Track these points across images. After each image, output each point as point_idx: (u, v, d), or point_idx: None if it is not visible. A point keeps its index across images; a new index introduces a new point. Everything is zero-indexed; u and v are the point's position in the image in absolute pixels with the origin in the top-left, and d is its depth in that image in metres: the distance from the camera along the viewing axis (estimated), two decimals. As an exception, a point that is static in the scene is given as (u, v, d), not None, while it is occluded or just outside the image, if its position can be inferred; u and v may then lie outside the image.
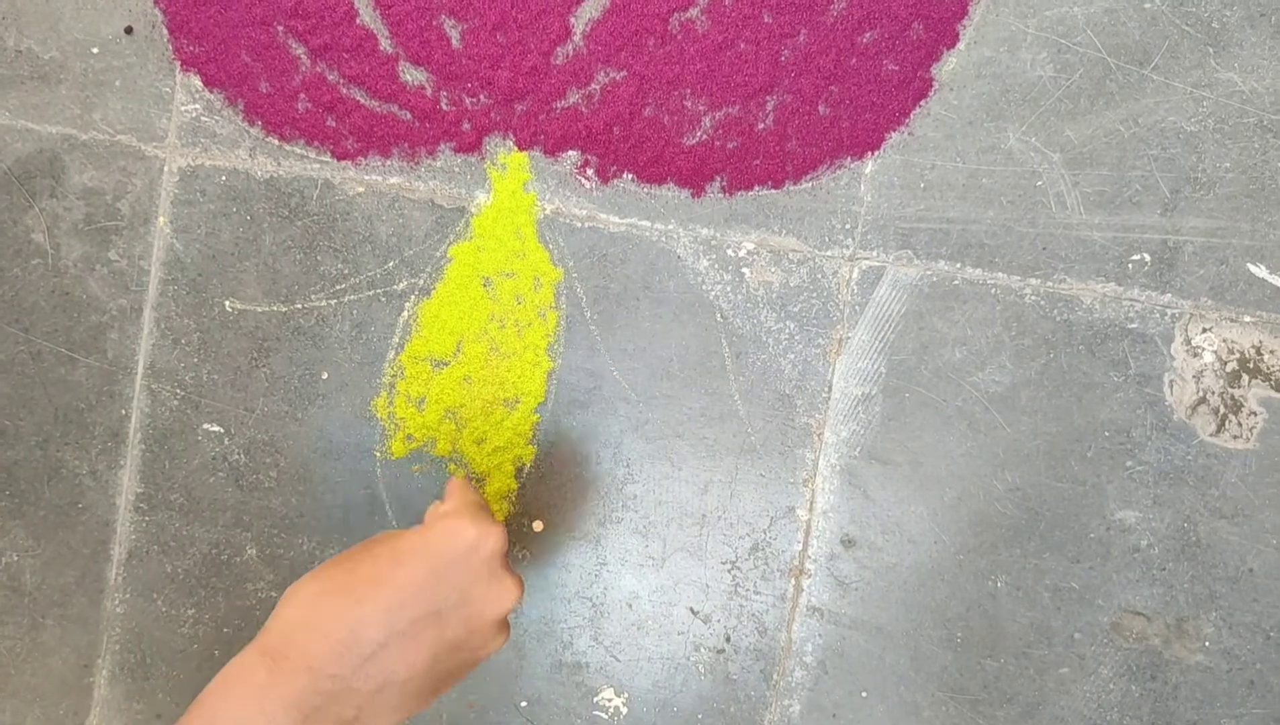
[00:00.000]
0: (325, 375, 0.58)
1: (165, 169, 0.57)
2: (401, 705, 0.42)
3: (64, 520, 0.59)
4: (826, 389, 0.56)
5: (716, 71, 0.55)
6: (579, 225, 0.57)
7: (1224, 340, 0.54)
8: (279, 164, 0.57)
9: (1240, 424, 0.55)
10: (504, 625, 0.46)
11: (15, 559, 0.59)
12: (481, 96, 0.56)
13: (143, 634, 0.59)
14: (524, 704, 0.58)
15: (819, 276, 0.56)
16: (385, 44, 0.56)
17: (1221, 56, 0.53)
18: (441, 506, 0.47)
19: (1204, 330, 0.55)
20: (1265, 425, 0.55)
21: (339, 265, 0.57)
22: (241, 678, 0.40)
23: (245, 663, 0.41)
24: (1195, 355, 0.55)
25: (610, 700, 0.58)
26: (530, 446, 0.57)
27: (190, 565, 0.59)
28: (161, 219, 0.58)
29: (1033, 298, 0.55)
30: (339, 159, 0.57)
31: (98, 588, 0.59)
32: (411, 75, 0.56)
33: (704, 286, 0.56)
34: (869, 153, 0.55)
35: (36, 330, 0.58)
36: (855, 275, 0.56)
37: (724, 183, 0.56)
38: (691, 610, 0.57)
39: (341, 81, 0.56)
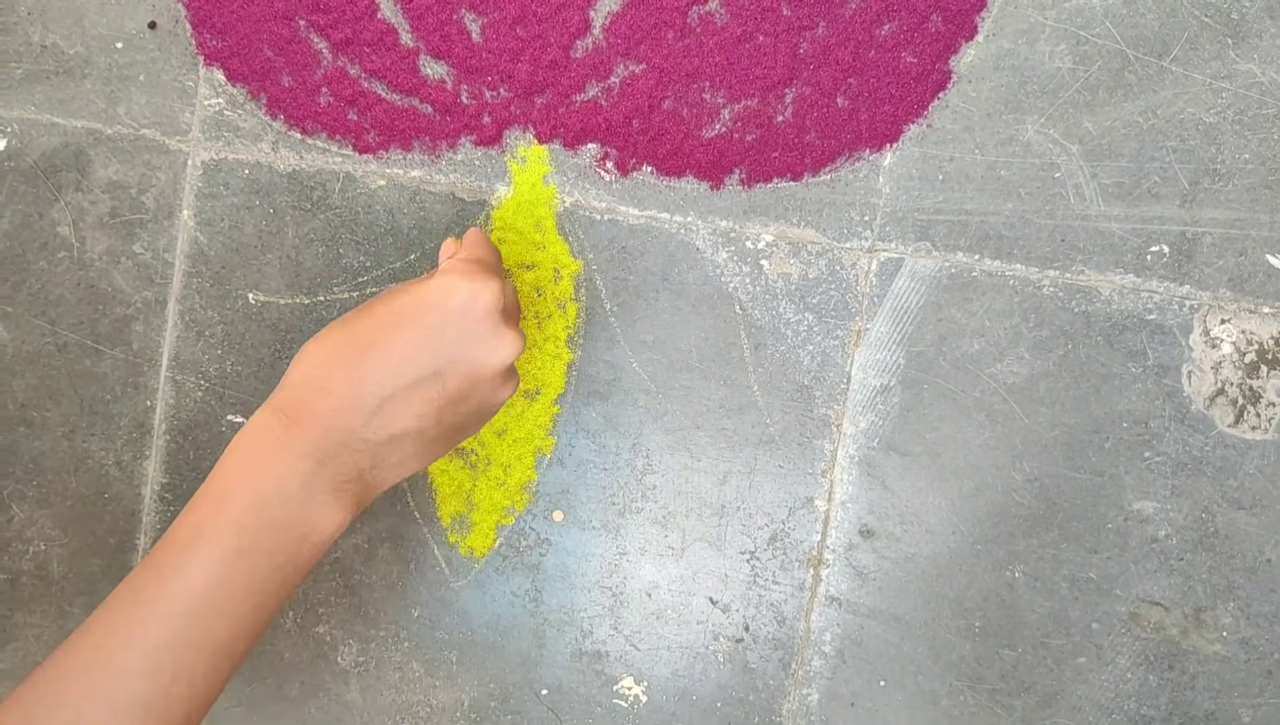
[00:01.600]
0: (347, 367, 0.58)
1: (189, 163, 0.58)
2: (417, 453, 0.45)
3: (90, 510, 0.60)
4: (845, 380, 0.57)
5: (735, 64, 0.55)
6: (599, 217, 0.57)
7: (1242, 331, 0.55)
8: (301, 157, 0.58)
9: (1259, 415, 0.55)
10: (509, 375, 0.47)
11: (43, 548, 0.60)
12: (502, 90, 0.56)
13: (168, 622, 0.60)
14: (544, 692, 0.59)
15: (837, 268, 0.56)
16: (406, 38, 0.56)
17: (1241, 48, 0.53)
18: (450, 254, 0.48)
19: (1222, 321, 0.55)
20: (1284, 416, 0.55)
21: (361, 258, 0.58)
22: (259, 435, 0.43)
23: (260, 423, 0.43)
24: (1214, 346, 0.55)
25: (630, 689, 0.58)
26: (550, 438, 0.58)
27: (214, 555, 0.60)
28: (185, 212, 0.58)
29: (1051, 289, 0.55)
30: (361, 152, 0.57)
31: (123, 577, 0.60)
32: (432, 69, 0.56)
33: (723, 278, 0.57)
34: (887, 145, 0.56)
35: (62, 322, 0.59)
36: (874, 267, 0.56)
37: (743, 175, 0.56)
38: (710, 600, 0.58)
39: (363, 76, 0.56)
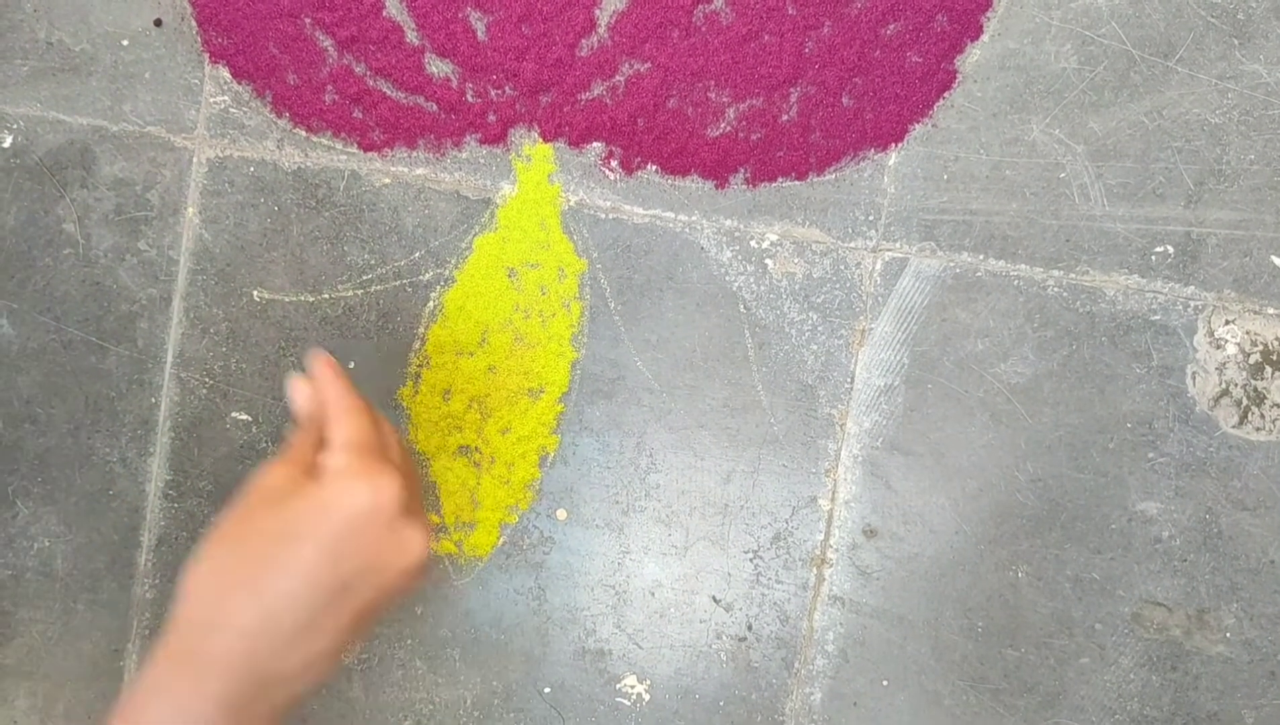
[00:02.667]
0: (352, 364, 0.58)
1: (194, 160, 0.58)
2: (328, 663, 0.41)
3: (95, 507, 0.60)
4: (849, 380, 0.57)
5: (740, 63, 0.55)
6: (603, 216, 0.57)
7: (1247, 332, 0.55)
8: (306, 155, 0.58)
9: (1263, 416, 0.55)
10: (421, 566, 0.43)
11: (47, 544, 0.60)
12: (507, 88, 0.56)
13: (172, 619, 0.60)
14: (547, 690, 0.59)
15: (842, 268, 0.56)
16: (411, 36, 0.56)
17: (1247, 48, 0.53)
18: (323, 418, 0.44)
19: (1227, 322, 0.55)
20: (1288, 417, 0.55)
21: (365, 256, 0.58)
22: (160, 693, 0.38)
23: (160, 678, 0.38)
24: (1218, 347, 0.55)
25: (633, 687, 0.59)
26: (554, 436, 0.58)
27: (218, 552, 0.60)
28: (190, 209, 0.58)
29: (1055, 289, 0.55)
30: (366, 150, 0.57)
31: (128, 573, 0.60)
32: (437, 67, 0.56)
33: (727, 277, 0.57)
34: (893, 144, 0.56)
35: (68, 319, 0.59)
36: (878, 266, 0.56)
37: (748, 174, 0.56)
38: (714, 599, 0.58)
39: (368, 73, 0.57)
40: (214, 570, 0.40)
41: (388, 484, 0.41)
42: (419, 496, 0.45)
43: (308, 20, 0.56)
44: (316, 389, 0.45)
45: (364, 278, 0.58)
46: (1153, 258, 0.55)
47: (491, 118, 0.57)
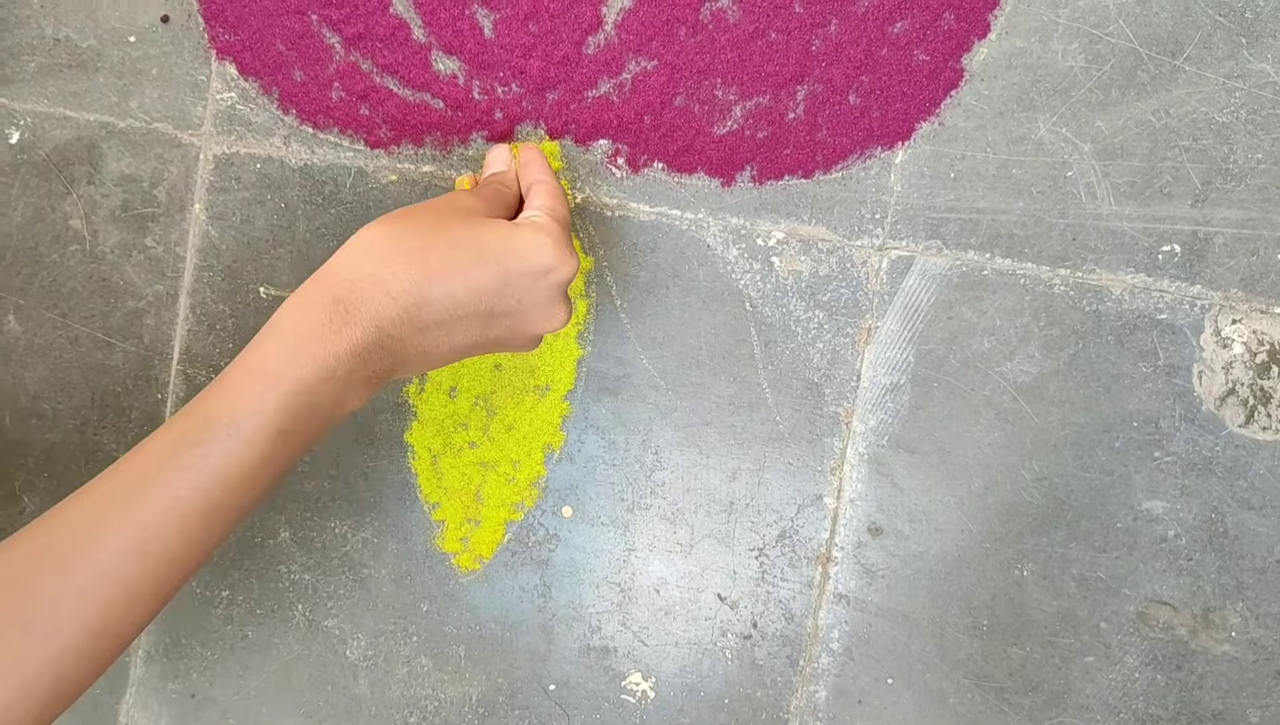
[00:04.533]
0: (358, 361, 0.58)
1: (201, 156, 0.58)
2: (431, 366, 0.46)
3: (101, 503, 0.60)
4: (855, 378, 0.57)
5: (747, 61, 0.55)
6: (609, 214, 0.57)
7: (1254, 332, 0.55)
8: (313, 152, 0.58)
9: (1269, 415, 0.55)
10: (539, 339, 0.49)
11: (53, 540, 0.60)
12: (513, 85, 0.56)
13: (178, 615, 0.60)
14: (552, 687, 0.59)
15: (848, 266, 0.56)
16: (418, 33, 0.56)
17: (1255, 47, 0.53)
18: (516, 185, 0.50)
19: (1234, 321, 0.55)
20: (1294, 417, 0.55)
21: (372, 253, 0.58)
22: (312, 321, 0.42)
23: (315, 309, 0.42)
24: (1225, 346, 0.55)
25: (638, 684, 0.59)
26: (560, 433, 0.58)
27: (224, 547, 0.60)
28: (197, 206, 0.58)
29: (1062, 288, 0.55)
30: (372, 147, 0.57)
31: (134, 569, 0.60)
32: (444, 64, 0.56)
33: (733, 275, 0.57)
34: (899, 142, 0.56)
35: (74, 315, 0.59)
36: (884, 265, 0.56)
37: (754, 172, 0.56)
38: (719, 596, 0.58)
39: (375, 70, 0.57)
40: (395, 238, 0.44)
41: (571, 259, 0.46)
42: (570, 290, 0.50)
43: (315, 17, 0.56)
44: (523, 161, 0.51)
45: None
46: (1159, 257, 0.55)
47: (498, 115, 0.57)
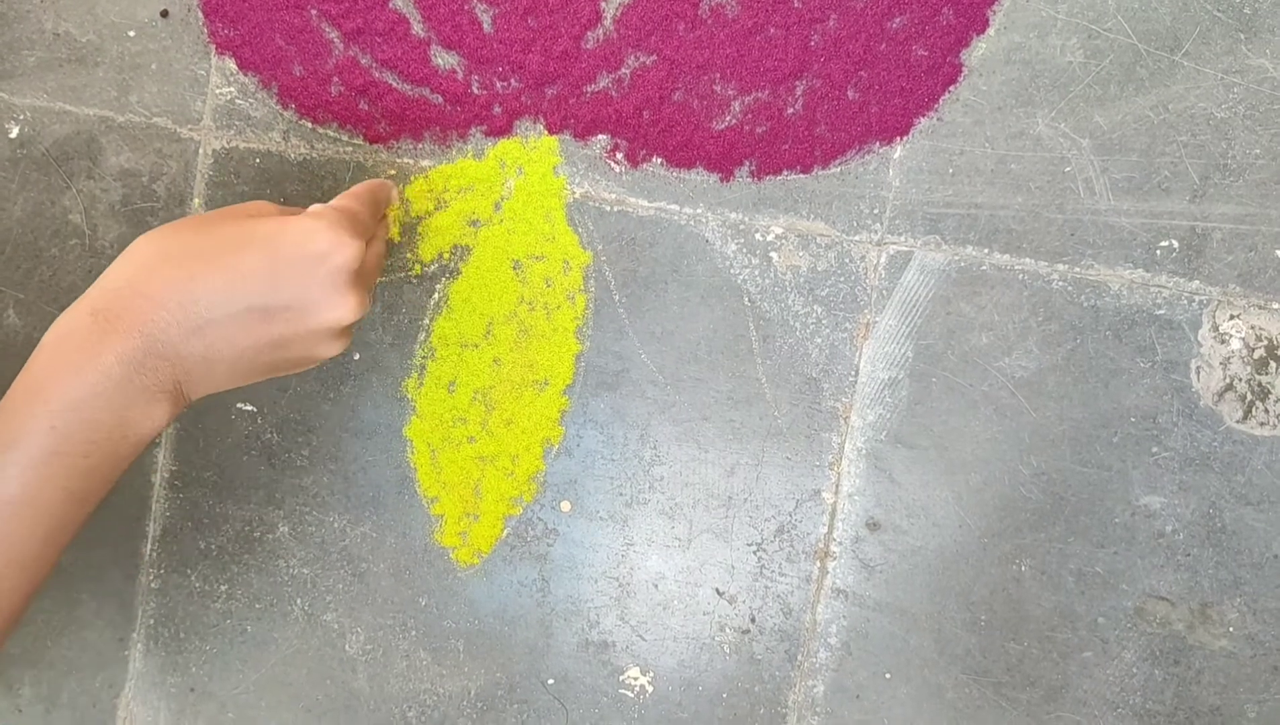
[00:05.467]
0: (357, 356, 0.58)
1: (200, 151, 0.58)
2: (228, 377, 0.44)
3: (100, 497, 0.60)
4: (853, 373, 0.57)
5: (746, 56, 0.55)
6: (608, 209, 0.57)
7: (1252, 327, 0.55)
8: (312, 147, 0.58)
9: (1267, 411, 0.55)
10: (341, 335, 0.46)
11: (52, 534, 0.60)
12: (512, 80, 0.56)
13: (176, 609, 0.60)
14: (551, 682, 0.59)
15: (847, 261, 0.56)
16: (417, 28, 0.56)
17: (1253, 43, 0.53)
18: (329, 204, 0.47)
19: (1232, 317, 0.55)
20: (1292, 412, 0.55)
21: (371, 247, 0.58)
22: (73, 335, 0.41)
23: (75, 323, 0.41)
24: (1222, 342, 0.55)
25: (636, 679, 0.59)
26: (559, 428, 0.58)
27: (223, 542, 0.60)
28: (197, 201, 0.58)
29: (1060, 283, 0.55)
30: (372, 142, 0.57)
31: (133, 563, 0.60)
32: (443, 59, 0.56)
33: (732, 270, 0.57)
34: (898, 138, 0.56)
35: (74, 310, 0.59)
36: (883, 260, 0.56)
37: (753, 167, 0.56)
38: (717, 591, 0.58)
39: (374, 65, 0.57)
40: (156, 247, 0.42)
41: (349, 244, 0.44)
42: (372, 281, 0.48)
43: (314, 12, 0.56)
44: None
45: (369, 269, 0.58)
46: (1158, 252, 0.55)
47: (497, 110, 0.57)
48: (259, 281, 0.42)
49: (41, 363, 0.41)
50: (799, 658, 0.58)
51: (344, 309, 0.45)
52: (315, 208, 0.45)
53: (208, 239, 0.43)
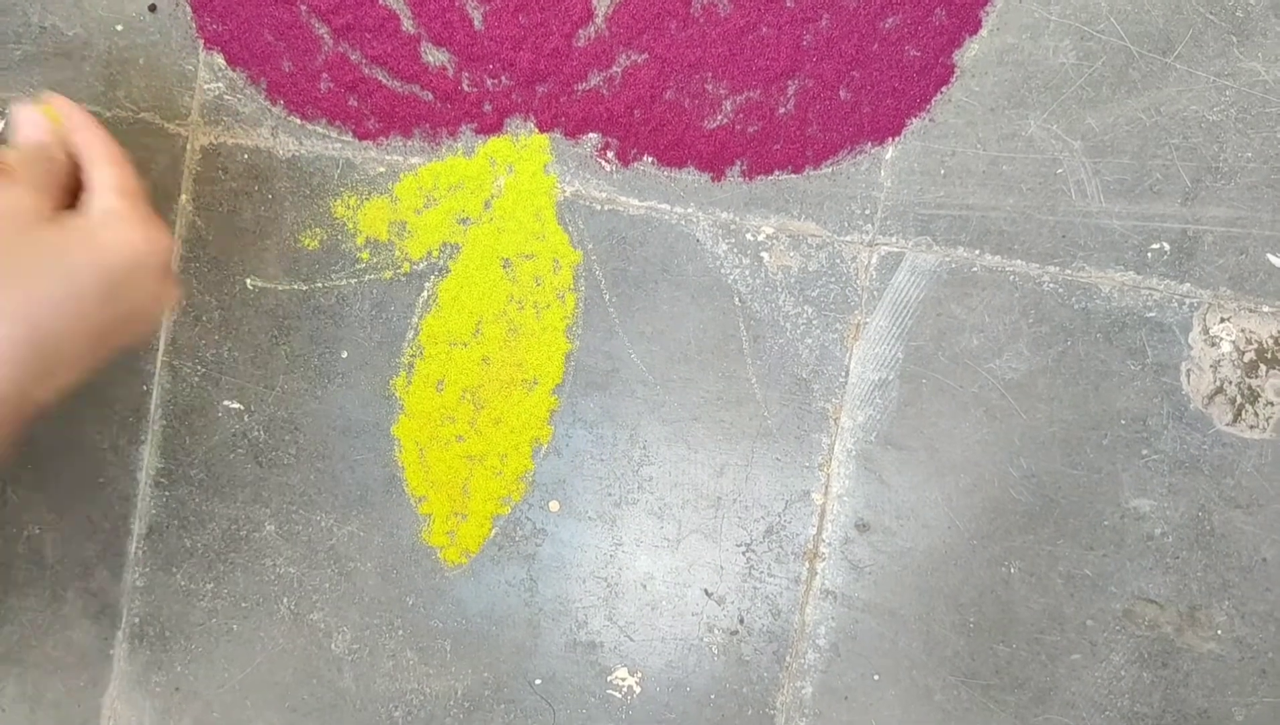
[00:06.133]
0: (345, 354, 0.58)
1: (188, 147, 0.58)
2: (62, 390, 0.41)
3: (85, 494, 0.60)
4: (843, 374, 0.56)
5: (738, 55, 0.55)
6: (599, 208, 0.57)
7: (1242, 330, 0.55)
8: (301, 143, 0.57)
9: (1257, 414, 0.55)
10: (159, 322, 0.46)
11: (37, 532, 0.60)
12: (503, 78, 0.56)
13: (162, 607, 0.60)
14: (538, 682, 0.59)
15: (838, 261, 0.56)
16: (407, 24, 0.56)
17: (1245, 46, 0.53)
18: (64, 152, 0.43)
19: (1222, 320, 0.55)
20: (1282, 415, 0.55)
21: (360, 245, 0.57)
22: None
23: None
24: (1213, 345, 0.55)
25: (624, 680, 0.58)
26: (548, 427, 0.58)
27: (209, 540, 0.60)
28: (184, 197, 0.58)
29: (1051, 285, 0.55)
30: (361, 139, 0.57)
31: (118, 561, 0.60)
32: (433, 56, 0.56)
33: (723, 270, 0.57)
34: (890, 138, 0.55)
35: (59, 306, 0.58)
36: (874, 261, 0.56)
37: (744, 167, 0.56)
38: (706, 592, 0.58)
39: (364, 62, 0.56)
40: None
41: (162, 235, 0.42)
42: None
43: (303, 7, 0.56)
44: (65, 127, 0.44)
45: (357, 267, 0.58)
46: (1149, 254, 0.55)
47: (487, 107, 0.56)
48: (97, 304, 0.40)
49: None
50: (787, 659, 0.58)
51: (169, 299, 0.43)
52: (106, 203, 0.42)
53: (26, 274, 0.38)
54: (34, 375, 0.38)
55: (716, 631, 0.58)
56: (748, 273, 0.56)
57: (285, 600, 0.60)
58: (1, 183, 0.41)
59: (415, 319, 0.58)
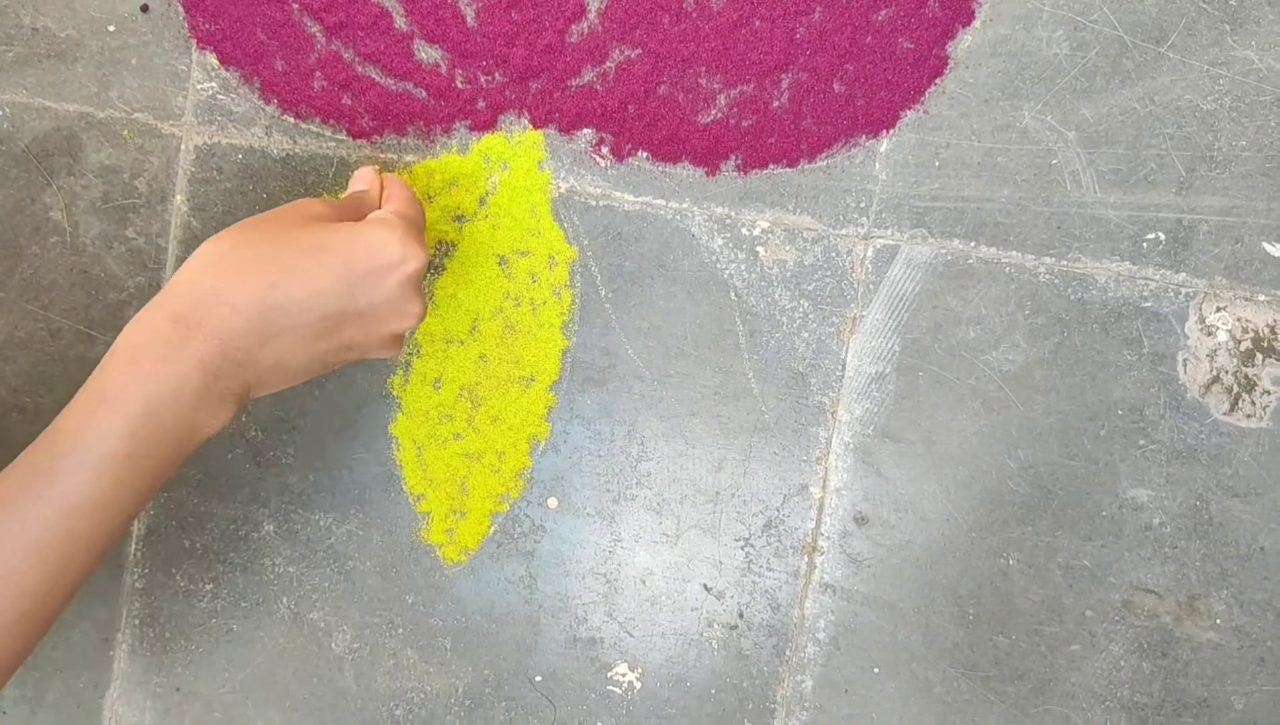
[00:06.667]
0: (341, 353, 0.58)
1: (182, 147, 0.58)
2: (293, 378, 0.45)
3: (83, 496, 0.59)
4: (840, 367, 0.56)
5: (731, 49, 0.55)
6: (594, 203, 0.57)
7: (1238, 319, 0.55)
8: (295, 142, 0.57)
9: (1254, 403, 0.55)
10: (399, 339, 0.48)
11: (36, 534, 0.60)
12: (496, 74, 0.56)
13: (162, 608, 0.60)
14: (539, 678, 0.59)
15: (833, 255, 0.56)
16: (400, 22, 0.56)
17: (1239, 34, 0.53)
18: (378, 203, 0.49)
19: (1218, 309, 0.55)
20: (1279, 404, 0.55)
21: (355, 243, 0.57)
22: (153, 339, 0.41)
23: (155, 327, 0.41)
24: (1209, 334, 0.55)
25: (624, 675, 0.58)
26: (545, 424, 0.58)
27: (208, 541, 0.60)
28: (179, 197, 0.58)
29: (1047, 276, 0.55)
30: (355, 137, 0.57)
31: (117, 563, 0.60)
32: (426, 53, 0.56)
33: (718, 265, 0.57)
34: (884, 131, 0.55)
35: (55, 308, 0.58)
36: (870, 254, 0.56)
37: (739, 161, 0.56)
38: (705, 587, 0.58)
39: (357, 59, 0.56)
40: (233, 250, 0.43)
41: (418, 252, 0.45)
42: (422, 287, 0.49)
43: (296, 5, 0.56)
44: (387, 182, 0.51)
45: (353, 265, 0.58)
46: (1144, 244, 0.55)
47: (481, 104, 0.56)
48: (337, 292, 0.43)
49: (118, 365, 0.41)
50: (787, 653, 0.58)
51: (411, 317, 0.46)
52: (382, 215, 0.46)
53: (283, 246, 0.43)
54: (260, 335, 0.42)
55: (716, 626, 0.58)
56: (743, 267, 0.56)
57: (285, 600, 0.60)
58: (312, 199, 0.47)
59: (411, 317, 0.57)
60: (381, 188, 0.51)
